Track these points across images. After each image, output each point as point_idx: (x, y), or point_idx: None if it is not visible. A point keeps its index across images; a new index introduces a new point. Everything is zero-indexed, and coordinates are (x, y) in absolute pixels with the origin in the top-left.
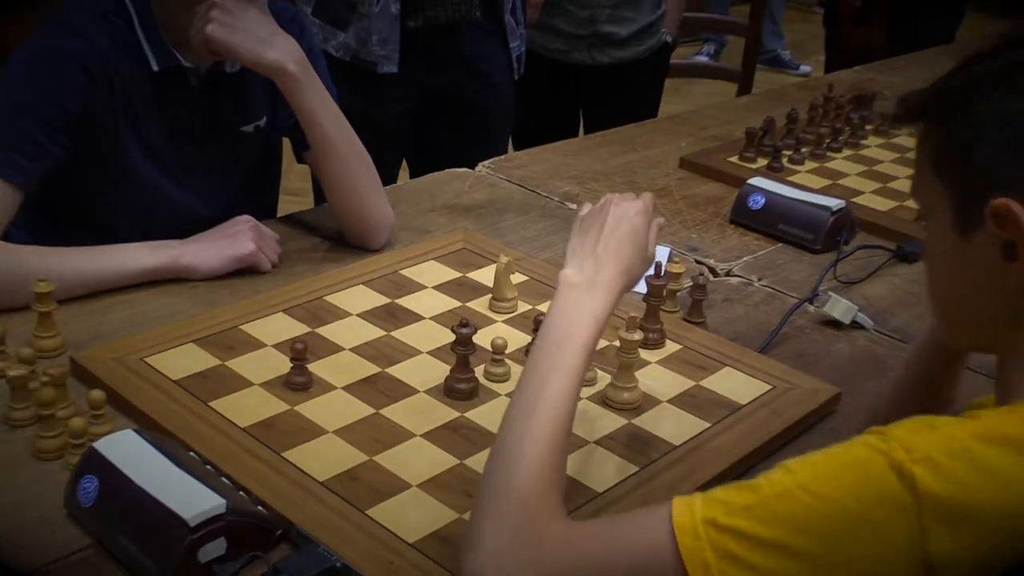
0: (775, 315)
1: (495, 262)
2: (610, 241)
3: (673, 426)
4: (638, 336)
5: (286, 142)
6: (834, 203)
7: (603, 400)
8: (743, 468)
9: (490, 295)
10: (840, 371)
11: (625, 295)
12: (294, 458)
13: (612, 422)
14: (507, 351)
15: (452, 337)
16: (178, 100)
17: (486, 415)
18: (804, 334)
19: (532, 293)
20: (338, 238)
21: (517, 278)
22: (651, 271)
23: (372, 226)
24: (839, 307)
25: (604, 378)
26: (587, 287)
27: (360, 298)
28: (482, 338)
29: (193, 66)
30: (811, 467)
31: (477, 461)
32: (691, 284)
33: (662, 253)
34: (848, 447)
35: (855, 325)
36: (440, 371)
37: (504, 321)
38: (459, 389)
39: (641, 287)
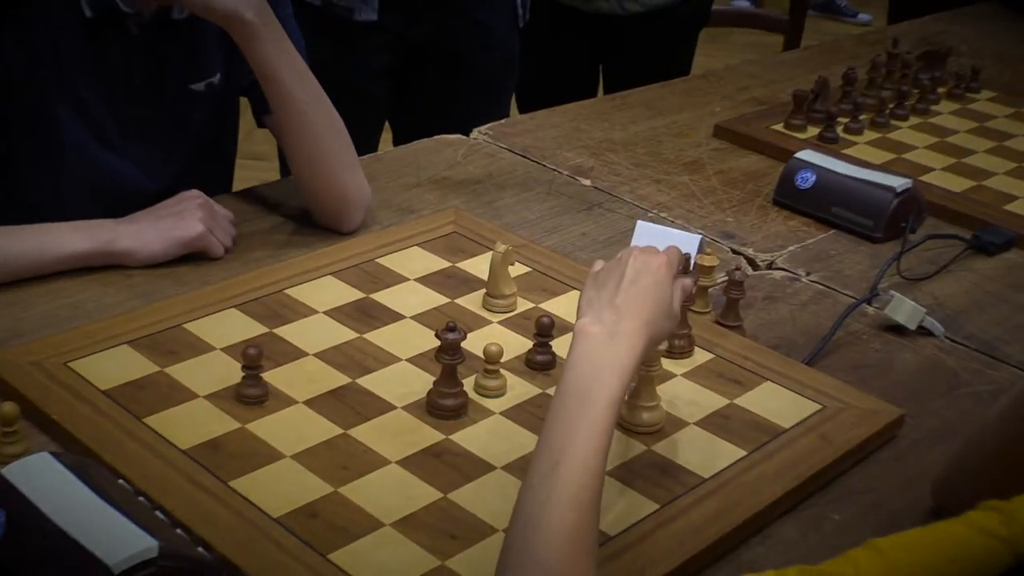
0: (826, 318)
1: (491, 250)
2: (630, 292)
3: (701, 454)
4: (661, 344)
5: (245, 102)
6: (898, 182)
7: (618, 421)
8: (786, 505)
9: (484, 290)
10: (904, 387)
11: None
12: (244, 488)
13: (628, 448)
14: (503, 359)
15: (437, 342)
16: (116, 52)
17: (476, 438)
18: (861, 341)
19: (534, 288)
20: (304, 218)
21: (517, 270)
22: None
23: (344, 204)
24: (903, 309)
25: None
26: (607, 336)
27: (329, 292)
28: (474, 343)
29: (134, 11)
30: (910, 555)
31: (464, 496)
32: (725, 279)
33: (691, 242)
34: (958, 528)
35: (922, 331)
36: (422, 383)
37: (500, 322)
38: (444, 406)
39: None
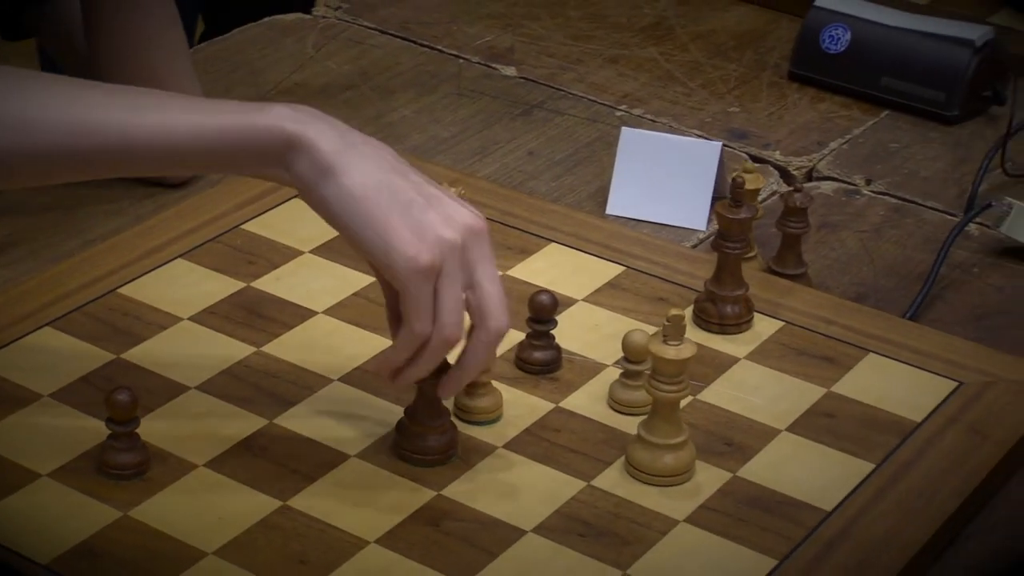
0: (913, 247)
1: None
2: None
3: (812, 475)
4: (686, 349)
5: None
6: (976, 32)
7: (632, 467)
8: (947, 537)
9: None
10: None
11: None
12: None
13: (706, 480)
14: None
15: (375, 341)
16: None
17: (481, 490)
18: (972, 277)
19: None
20: None
21: None
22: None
23: None
24: None
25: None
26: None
27: (186, 285)
28: None
29: None
30: None
31: None
32: (781, 204)
33: (707, 153)
34: None
35: None
36: (377, 414)
37: None
38: (427, 447)
39: (693, 220)
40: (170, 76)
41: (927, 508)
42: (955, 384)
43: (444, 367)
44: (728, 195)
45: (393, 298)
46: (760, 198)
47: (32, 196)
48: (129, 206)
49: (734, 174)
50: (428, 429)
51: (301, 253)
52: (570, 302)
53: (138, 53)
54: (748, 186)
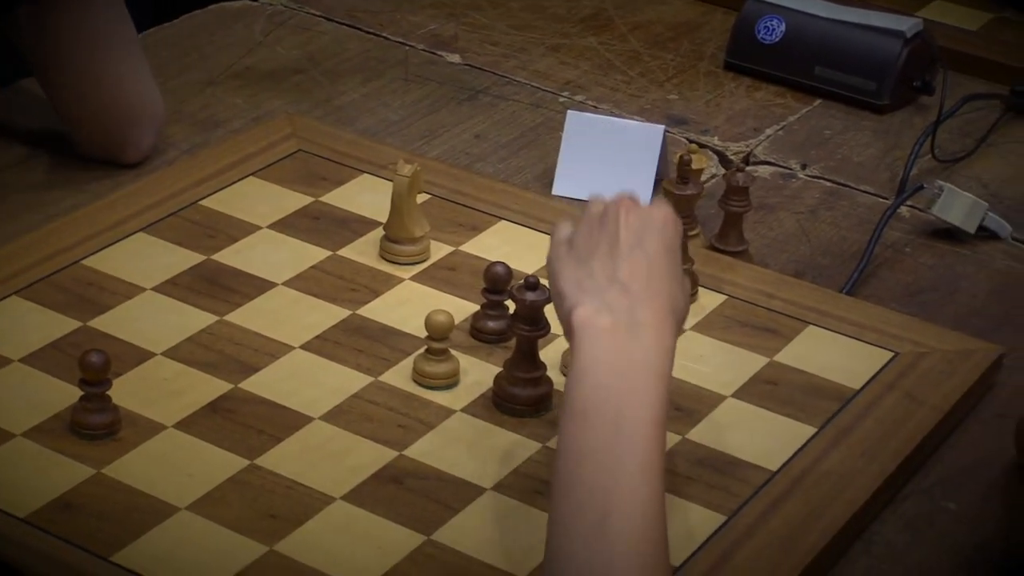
0: (848, 227)
1: (361, 172)
2: (636, 262)
3: (758, 437)
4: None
5: None
6: (906, 24)
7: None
8: (885, 497)
9: (379, 233)
10: (981, 314)
11: None
12: (134, 564)
13: None
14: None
15: (334, 311)
16: None
17: (440, 450)
18: (905, 256)
19: (445, 223)
20: (57, 143)
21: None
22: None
23: (130, 120)
24: (958, 206)
25: None
26: (626, 329)
27: (148, 257)
28: (386, 311)
29: None
30: None
31: (456, 535)
32: (722, 186)
33: (651, 136)
34: None
35: (984, 233)
36: (335, 378)
37: (414, 278)
38: (522, 397)
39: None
40: (122, 72)
41: (868, 468)
42: (891, 354)
43: (543, 322)
44: (670, 177)
45: None
46: (701, 179)
47: None
48: (87, 183)
49: (680, 153)
50: (526, 381)
51: (259, 228)
52: (522, 276)
53: (87, 51)
54: (694, 165)
